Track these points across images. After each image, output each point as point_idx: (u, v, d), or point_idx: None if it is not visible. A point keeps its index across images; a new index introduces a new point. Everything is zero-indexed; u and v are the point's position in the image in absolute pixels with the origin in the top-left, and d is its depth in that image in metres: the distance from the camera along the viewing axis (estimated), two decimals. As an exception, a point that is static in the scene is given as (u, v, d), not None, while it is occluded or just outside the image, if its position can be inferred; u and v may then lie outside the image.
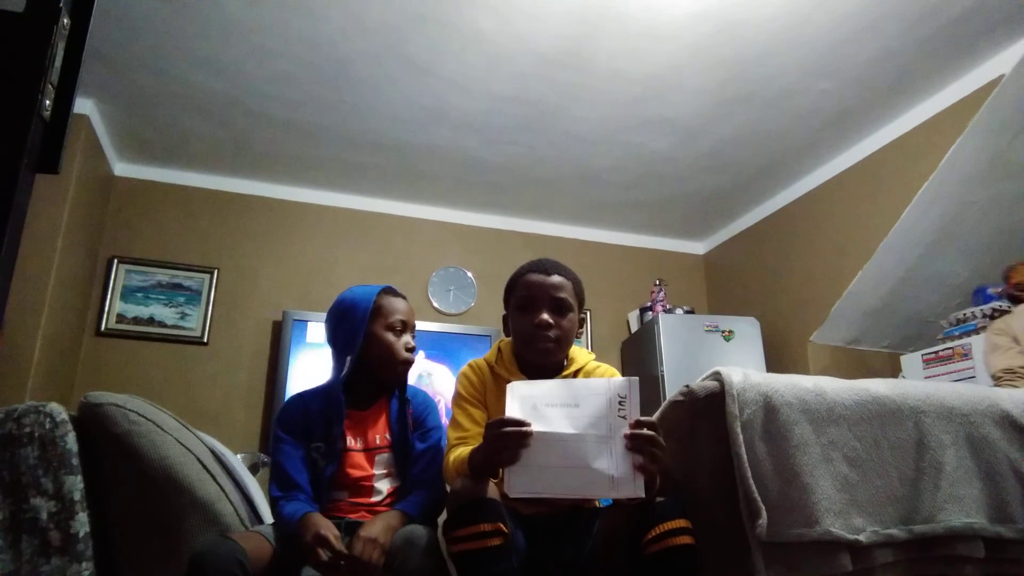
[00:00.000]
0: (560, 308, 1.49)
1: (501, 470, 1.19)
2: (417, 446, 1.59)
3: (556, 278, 1.51)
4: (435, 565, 1.25)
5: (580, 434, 1.12)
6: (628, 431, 1.12)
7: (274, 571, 1.32)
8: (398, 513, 1.43)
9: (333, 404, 1.57)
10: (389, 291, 1.70)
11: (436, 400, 1.74)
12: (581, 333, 1.59)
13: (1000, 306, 2.91)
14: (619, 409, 1.13)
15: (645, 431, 1.12)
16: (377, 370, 1.63)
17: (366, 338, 1.61)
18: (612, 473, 1.11)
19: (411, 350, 1.65)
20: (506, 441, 1.13)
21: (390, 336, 1.62)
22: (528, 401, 1.15)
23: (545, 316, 1.47)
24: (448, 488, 1.46)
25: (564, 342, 1.51)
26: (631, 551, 1.17)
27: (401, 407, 1.62)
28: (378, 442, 1.58)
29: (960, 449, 1.35)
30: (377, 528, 1.35)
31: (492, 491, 1.20)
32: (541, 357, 1.50)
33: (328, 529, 1.33)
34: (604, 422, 1.13)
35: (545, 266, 1.53)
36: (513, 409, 1.14)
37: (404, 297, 1.73)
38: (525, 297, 1.51)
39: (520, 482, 1.11)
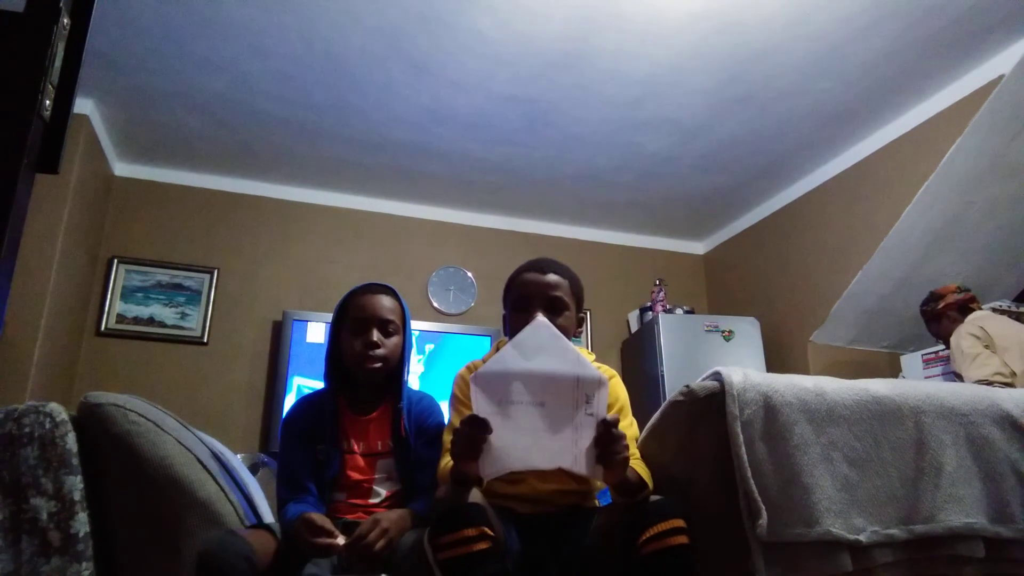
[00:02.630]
0: (556, 307, 1.49)
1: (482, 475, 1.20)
2: (424, 452, 1.56)
3: (552, 277, 1.51)
4: None
5: (545, 427, 1.14)
6: (595, 432, 1.13)
7: (279, 568, 1.32)
8: (412, 512, 1.42)
9: (325, 410, 1.57)
10: (359, 290, 1.64)
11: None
12: (580, 332, 1.59)
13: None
14: (586, 407, 1.14)
15: (613, 431, 1.13)
16: (353, 375, 1.61)
17: (338, 344, 1.60)
18: (574, 451, 1.14)
19: (369, 346, 1.55)
20: (464, 444, 1.14)
21: (351, 338, 1.58)
22: (494, 396, 1.15)
23: (543, 316, 1.46)
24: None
25: None
26: (627, 551, 1.17)
27: (396, 413, 1.59)
28: (380, 447, 1.57)
29: (960, 449, 1.35)
30: (391, 517, 1.35)
31: (476, 496, 1.19)
32: None
33: (317, 515, 1.33)
34: (569, 422, 1.14)
35: (541, 265, 1.53)
36: (479, 405, 1.14)
37: (382, 292, 1.63)
38: (521, 296, 1.51)
39: (489, 463, 1.12)
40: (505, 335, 1.59)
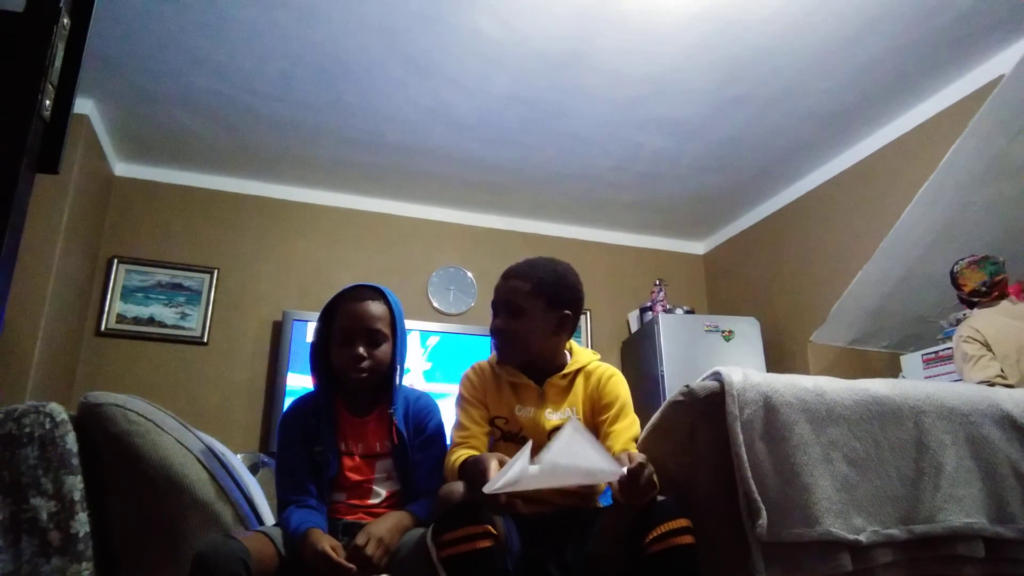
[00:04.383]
0: (514, 311, 1.50)
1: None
2: (419, 454, 1.56)
3: (512, 282, 1.53)
4: None
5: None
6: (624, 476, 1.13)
7: (279, 573, 1.32)
8: (408, 514, 1.42)
9: (321, 412, 1.56)
10: (347, 295, 1.58)
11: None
12: (570, 331, 1.57)
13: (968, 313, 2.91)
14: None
15: (640, 483, 1.12)
16: (343, 381, 1.58)
17: (328, 348, 1.57)
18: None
19: (355, 359, 1.50)
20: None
21: (338, 348, 1.54)
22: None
23: (498, 321, 1.50)
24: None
25: (518, 343, 1.51)
26: (631, 551, 1.17)
27: (390, 417, 1.57)
28: (378, 449, 1.56)
29: (960, 449, 1.35)
30: (385, 526, 1.35)
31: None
32: (502, 361, 1.55)
33: (327, 541, 1.32)
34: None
35: (508, 270, 1.56)
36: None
37: (370, 297, 1.56)
38: (492, 302, 1.56)
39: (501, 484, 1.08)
40: None
